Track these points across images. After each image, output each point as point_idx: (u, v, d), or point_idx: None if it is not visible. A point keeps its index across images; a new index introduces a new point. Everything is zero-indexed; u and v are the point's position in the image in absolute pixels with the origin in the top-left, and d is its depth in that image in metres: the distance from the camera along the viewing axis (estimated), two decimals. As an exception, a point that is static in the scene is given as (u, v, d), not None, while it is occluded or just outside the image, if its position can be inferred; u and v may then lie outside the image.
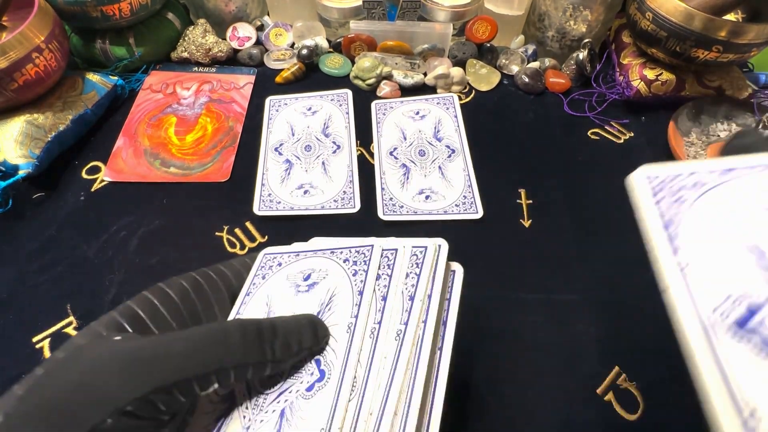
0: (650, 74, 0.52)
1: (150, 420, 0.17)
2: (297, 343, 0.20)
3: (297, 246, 0.26)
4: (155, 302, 0.21)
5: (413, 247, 0.23)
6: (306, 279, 0.24)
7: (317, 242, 0.26)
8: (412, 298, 0.21)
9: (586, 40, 0.55)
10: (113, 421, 0.16)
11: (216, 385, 0.18)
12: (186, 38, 0.58)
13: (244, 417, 0.20)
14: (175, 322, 0.21)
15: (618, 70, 0.56)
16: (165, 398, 0.17)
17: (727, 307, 0.18)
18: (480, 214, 0.44)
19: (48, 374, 0.17)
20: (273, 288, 0.24)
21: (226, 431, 0.20)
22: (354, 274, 0.23)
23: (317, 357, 0.20)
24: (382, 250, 0.23)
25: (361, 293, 0.22)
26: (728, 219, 0.20)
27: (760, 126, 0.44)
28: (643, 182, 0.24)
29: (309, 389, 0.19)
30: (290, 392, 0.20)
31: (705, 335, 0.18)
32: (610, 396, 0.35)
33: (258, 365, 0.19)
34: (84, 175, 0.47)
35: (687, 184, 0.23)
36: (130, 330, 0.19)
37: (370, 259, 0.23)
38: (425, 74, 0.56)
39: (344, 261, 0.24)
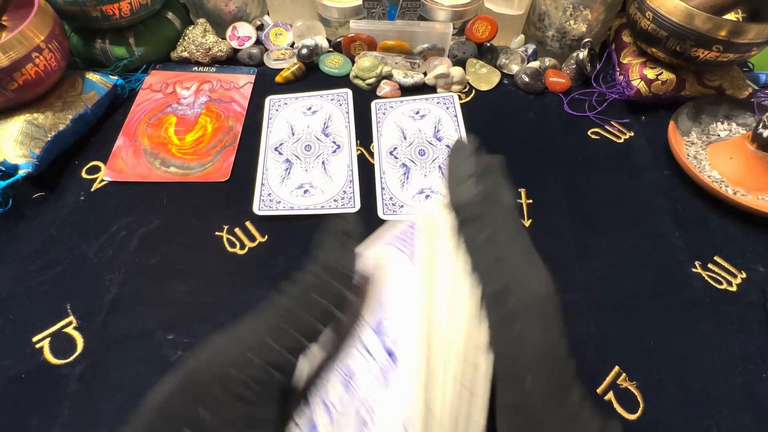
0: (650, 74, 0.52)
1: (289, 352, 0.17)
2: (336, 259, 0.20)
3: None
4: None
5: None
6: None
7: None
8: None
9: (586, 40, 0.55)
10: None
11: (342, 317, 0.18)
12: (186, 38, 0.58)
13: None
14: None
15: (618, 69, 0.56)
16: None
17: None
18: (480, 214, 0.44)
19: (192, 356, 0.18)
20: None
21: None
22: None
23: (389, 348, 0.18)
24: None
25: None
26: None
27: (761, 126, 0.43)
28: None
29: (385, 381, 0.17)
30: (367, 399, 0.17)
31: None
32: (610, 395, 0.35)
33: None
34: (84, 175, 0.47)
35: None
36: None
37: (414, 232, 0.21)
38: (425, 74, 0.56)
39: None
